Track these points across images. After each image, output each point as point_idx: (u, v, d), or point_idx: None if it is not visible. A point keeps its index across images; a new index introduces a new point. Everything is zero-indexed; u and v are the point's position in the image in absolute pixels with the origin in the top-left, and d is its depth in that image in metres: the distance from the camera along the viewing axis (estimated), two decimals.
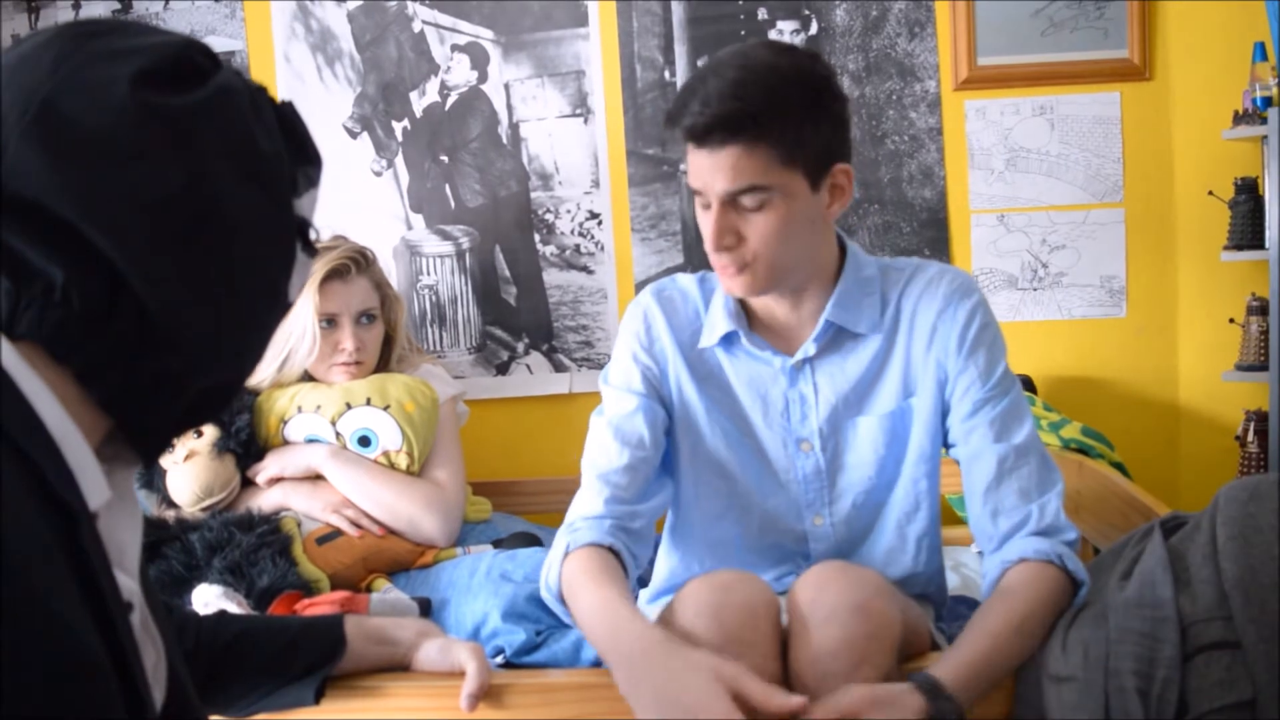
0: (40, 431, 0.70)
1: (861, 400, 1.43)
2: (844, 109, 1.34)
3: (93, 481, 0.72)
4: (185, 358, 0.78)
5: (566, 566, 1.33)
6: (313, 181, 0.86)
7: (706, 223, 1.32)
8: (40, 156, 0.71)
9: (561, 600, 1.33)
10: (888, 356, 1.43)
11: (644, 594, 1.59)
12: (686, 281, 1.51)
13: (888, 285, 1.44)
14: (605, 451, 1.42)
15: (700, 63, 2.52)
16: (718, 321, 1.44)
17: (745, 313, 1.45)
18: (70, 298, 0.71)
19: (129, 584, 0.77)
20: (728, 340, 1.44)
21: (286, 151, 0.83)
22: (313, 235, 0.87)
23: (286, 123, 0.84)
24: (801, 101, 1.27)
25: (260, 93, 0.82)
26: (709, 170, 1.29)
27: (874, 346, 1.42)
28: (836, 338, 1.43)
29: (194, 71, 0.78)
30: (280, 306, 0.85)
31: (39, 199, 0.71)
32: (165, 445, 0.83)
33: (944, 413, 1.41)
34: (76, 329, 0.72)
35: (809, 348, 1.42)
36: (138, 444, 0.79)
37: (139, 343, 0.75)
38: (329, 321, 1.96)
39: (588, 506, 1.39)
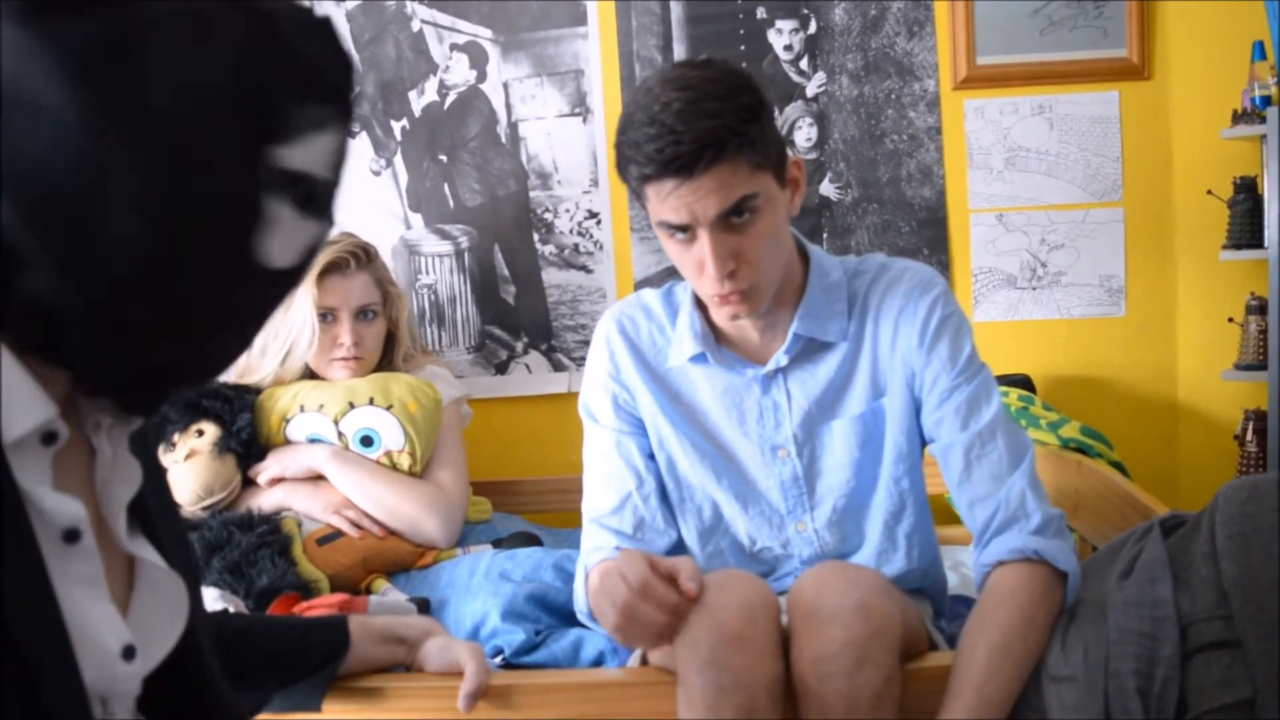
0: None
1: (834, 404, 1.43)
2: (771, 102, 1.34)
3: (18, 408, 0.65)
4: (126, 331, 0.68)
5: (589, 581, 1.36)
6: (320, 123, 0.69)
7: (696, 254, 1.29)
8: None
9: (593, 617, 1.35)
10: (856, 359, 1.43)
11: None
12: (650, 298, 1.51)
13: (853, 289, 1.44)
14: (595, 495, 1.46)
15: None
16: (685, 342, 1.44)
17: (712, 329, 1.44)
18: None
19: (70, 508, 0.70)
20: (697, 357, 1.44)
21: (272, 85, 0.66)
22: (320, 189, 0.71)
23: (279, 45, 0.66)
24: (755, 102, 1.27)
25: (234, 5, 0.65)
26: (694, 199, 1.25)
27: (843, 351, 1.42)
28: (807, 346, 1.43)
29: None
30: (256, 276, 0.70)
31: None
32: (150, 404, 0.75)
33: (916, 409, 1.41)
34: None
35: (780, 358, 1.42)
36: (120, 404, 0.73)
37: (52, 313, 0.66)
38: (328, 315, 1.96)
39: (598, 546, 1.42)
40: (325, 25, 0.69)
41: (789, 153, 1.35)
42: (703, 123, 1.22)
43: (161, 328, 0.69)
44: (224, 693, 0.90)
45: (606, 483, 1.45)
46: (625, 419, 1.47)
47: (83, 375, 0.71)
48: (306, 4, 0.70)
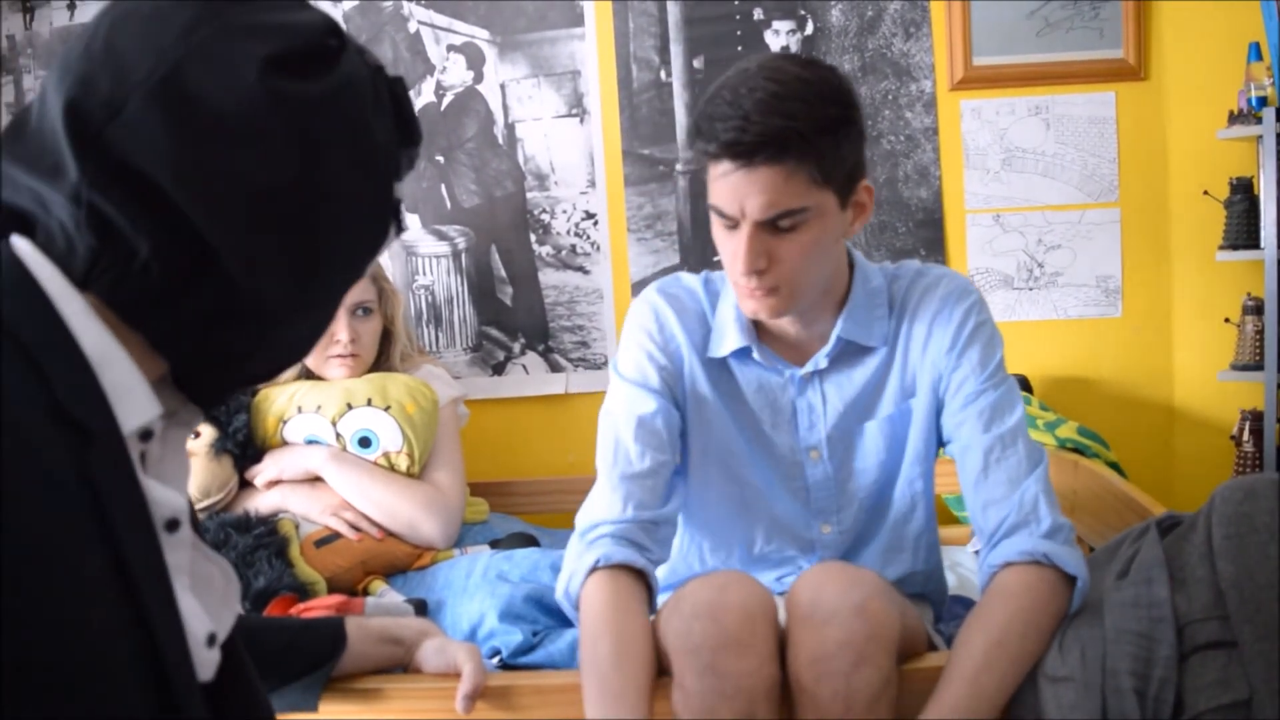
0: (64, 347, 0.69)
1: (867, 407, 1.43)
2: (864, 123, 1.33)
3: (136, 401, 0.72)
4: (262, 335, 0.78)
5: (589, 588, 1.28)
6: (413, 163, 0.86)
7: (734, 244, 1.28)
8: (157, 124, 0.70)
9: (577, 609, 1.29)
10: (890, 362, 1.42)
11: None
12: (691, 282, 1.48)
13: (891, 294, 1.44)
14: (626, 453, 1.37)
15: (696, 63, 2.52)
16: (728, 333, 1.41)
17: (755, 323, 1.42)
18: (149, 269, 0.71)
19: (173, 499, 0.76)
20: (737, 351, 1.42)
21: (396, 134, 0.82)
22: (404, 212, 0.86)
23: (398, 104, 0.83)
24: (838, 117, 1.26)
25: (379, 75, 0.81)
26: (745, 191, 1.24)
27: (880, 355, 1.42)
28: (846, 350, 1.42)
29: (323, 56, 0.76)
30: (355, 281, 0.86)
31: (143, 167, 0.70)
32: (222, 401, 0.83)
33: (938, 411, 1.41)
34: (149, 300, 0.72)
35: (820, 361, 1.41)
36: (195, 399, 0.80)
37: (215, 319, 0.75)
38: None
39: (609, 509, 1.34)
40: (405, 83, 0.85)
41: (866, 181, 1.34)
42: (775, 120, 1.21)
43: (295, 328, 0.82)
44: (255, 678, 0.93)
45: (644, 442, 1.38)
46: (666, 391, 1.42)
47: (192, 384, 0.78)
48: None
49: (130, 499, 0.72)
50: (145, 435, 0.75)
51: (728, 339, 1.42)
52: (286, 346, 0.84)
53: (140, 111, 0.70)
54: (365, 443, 1.91)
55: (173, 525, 0.76)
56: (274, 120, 0.73)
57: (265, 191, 0.73)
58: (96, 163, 0.70)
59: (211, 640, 0.80)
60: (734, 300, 1.41)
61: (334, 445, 1.92)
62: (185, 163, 0.70)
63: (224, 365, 0.79)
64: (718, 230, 1.32)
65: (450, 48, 2.57)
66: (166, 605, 0.73)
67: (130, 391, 0.72)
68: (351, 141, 0.77)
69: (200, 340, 0.75)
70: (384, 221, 0.83)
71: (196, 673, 0.76)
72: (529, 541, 1.93)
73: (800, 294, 1.33)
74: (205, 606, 0.81)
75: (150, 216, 0.71)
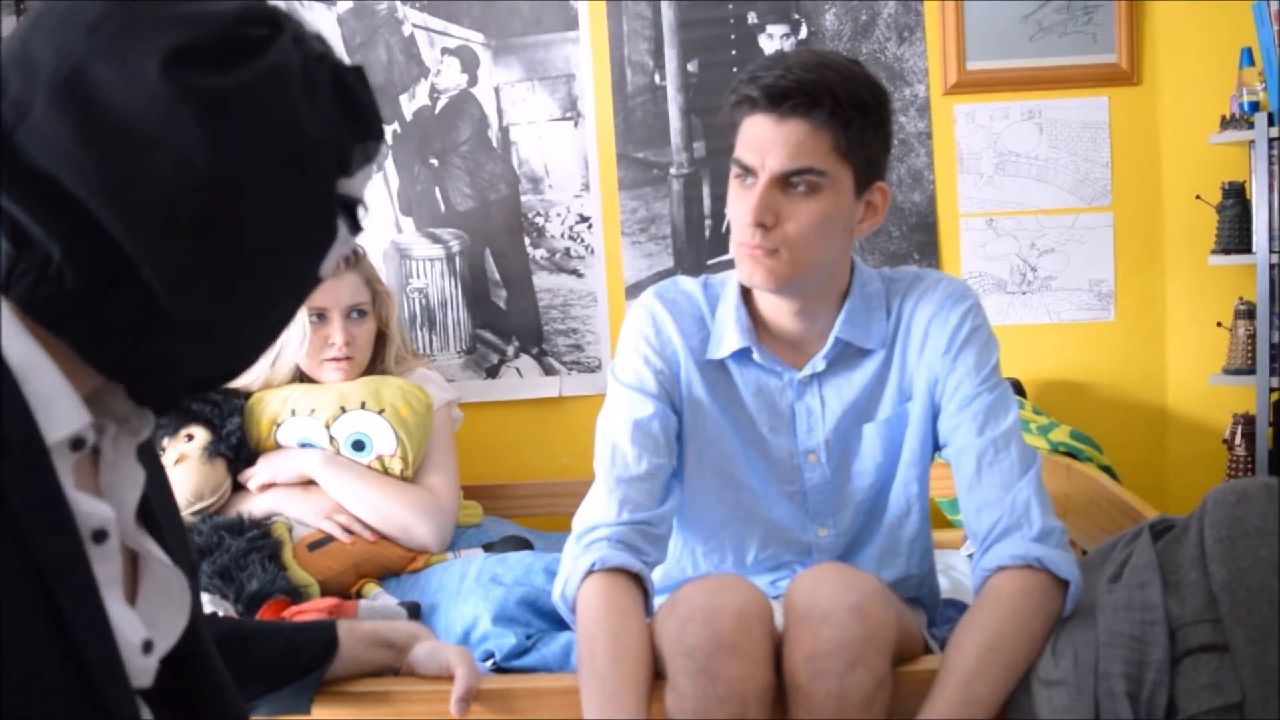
0: None
1: (865, 410, 1.43)
2: (891, 131, 1.37)
3: (61, 411, 0.70)
4: (193, 341, 0.75)
5: (586, 591, 1.29)
6: (369, 157, 0.80)
7: (746, 199, 1.31)
8: (61, 126, 0.67)
9: (574, 612, 1.30)
10: (888, 365, 1.43)
11: None
12: (690, 285, 1.48)
13: (890, 298, 1.45)
14: (623, 456, 1.38)
15: (690, 67, 2.53)
16: (729, 334, 1.42)
17: (753, 325, 1.43)
18: (64, 275, 0.69)
19: (101, 510, 0.74)
20: (737, 353, 1.43)
21: (344, 128, 0.77)
22: (362, 212, 0.81)
23: (348, 95, 0.77)
24: (871, 104, 1.31)
25: (319, 63, 0.76)
26: (769, 141, 1.28)
27: (878, 359, 1.43)
28: (844, 353, 1.42)
29: (241, 47, 0.71)
30: (308, 286, 0.81)
31: (51, 171, 0.68)
32: (171, 407, 0.81)
33: (934, 415, 1.42)
34: (68, 306, 0.70)
35: (818, 364, 1.42)
36: (144, 404, 0.78)
37: (140, 325, 0.72)
38: (318, 316, 1.96)
39: (605, 512, 1.35)
40: (363, 72, 0.79)
41: (882, 183, 1.38)
42: (813, 75, 1.27)
43: (232, 334, 0.78)
44: (225, 683, 0.92)
45: (641, 445, 1.38)
46: (663, 395, 1.42)
47: (131, 390, 0.76)
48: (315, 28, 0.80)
49: (50, 510, 0.69)
50: (77, 445, 0.72)
51: (727, 340, 1.42)
52: (233, 352, 0.80)
53: (44, 112, 0.67)
54: (359, 446, 1.91)
55: (100, 536, 0.74)
56: (180, 117, 0.68)
57: (175, 193, 0.69)
58: (7, 166, 0.68)
59: (148, 647, 0.78)
60: (734, 302, 1.42)
61: (327, 448, 1.92)
62: (88, 165, 0.67)
63: (158, 373, 0.76)
64: (734, 190, 1.34)
65: (444, 51, 2.57)
66: (93, 615, 0.72)
67: (54, 401, 0.70)
68: (273, 136, 0.72)
69: (128, 348, 0.73)
70: (325, 221, 0.78)
71: (131, 680, 0.75)
72: (522, 545, 1.93)
73: (799, 266, 1.33)
74: (156, 614, 0.80)
75: (61, 221, 0.68)
